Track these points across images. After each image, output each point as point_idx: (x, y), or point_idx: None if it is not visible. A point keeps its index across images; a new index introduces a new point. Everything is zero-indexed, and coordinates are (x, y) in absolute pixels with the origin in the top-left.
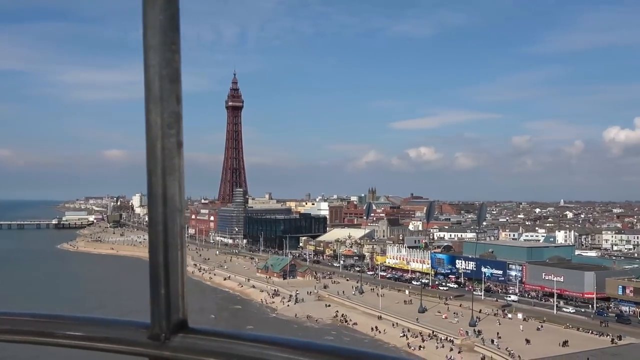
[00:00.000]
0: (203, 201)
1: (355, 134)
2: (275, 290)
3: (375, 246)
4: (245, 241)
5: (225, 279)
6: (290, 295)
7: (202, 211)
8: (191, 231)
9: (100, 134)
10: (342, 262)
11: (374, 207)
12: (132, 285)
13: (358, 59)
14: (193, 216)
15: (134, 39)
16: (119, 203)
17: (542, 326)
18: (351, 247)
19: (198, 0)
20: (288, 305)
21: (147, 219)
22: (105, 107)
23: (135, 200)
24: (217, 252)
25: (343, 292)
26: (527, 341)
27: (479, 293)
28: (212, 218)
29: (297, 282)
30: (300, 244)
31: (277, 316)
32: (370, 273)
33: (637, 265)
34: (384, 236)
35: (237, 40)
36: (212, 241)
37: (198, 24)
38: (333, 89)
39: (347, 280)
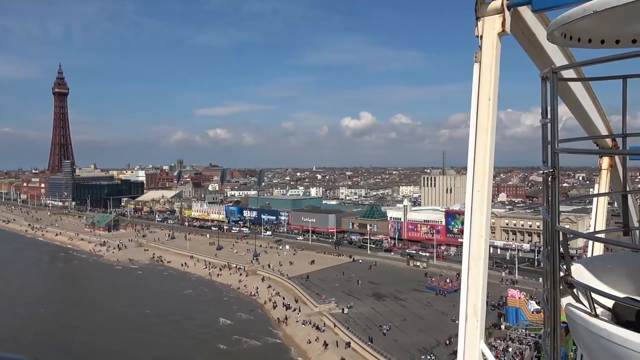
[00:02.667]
0: (34, 171)
1: (168, 117)
2: (104, 241)
3: (183, 203)
4: (74, 203)
5: (56, 235)
6: (116, 245)
7: (34, 179)
8: (23, 197)
9: None
10: (157, 216)
11: (183, 174)
12: None
13: (171, 58)
14: (25, 184)
15: None
16: None
17: (295, 252)
18: (164, 204)
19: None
20: (113, 252)
21: None
22: None
23: None
24: (49, 213)
25: (158, 239)
26: (291, 263)
27: (260, 234)
28: (42, 185)
29: (120, 234)
30: (122, 204)
31: (104, 261)
32: (173, 222)
33: (360, 209)
34: (190, 195)
35: (64, 36)
36: (43, 205)
37: (25, 20)
38: (151, 82)
39: (162, 230)
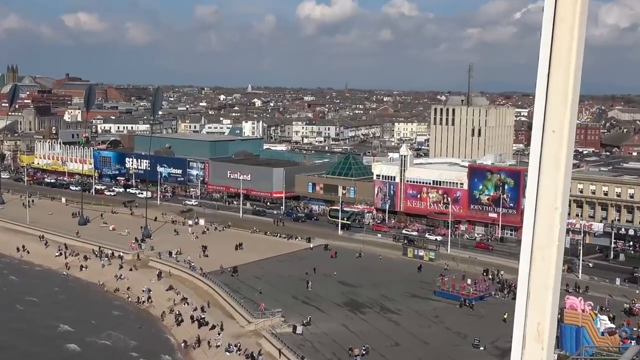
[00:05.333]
0: None
1: None
2: None
3: (19, 142)
4: None
5: None
6: None
7: None
8: None
9: None
10: None
11: (19, 92)
12: None
13: None
14: None
15: None
16: None
17: (208, 229)
18: None
19: None
20: None
21: None
22: None
23: None
24: None
25: None
26: (205, 249)
27: (149, 196)
28: None
29: None
30: None
31: None
32: (9, 177)
33: (327, 160)
34: (30, 129)
35: None
36: None
37: None
38: None
39: None
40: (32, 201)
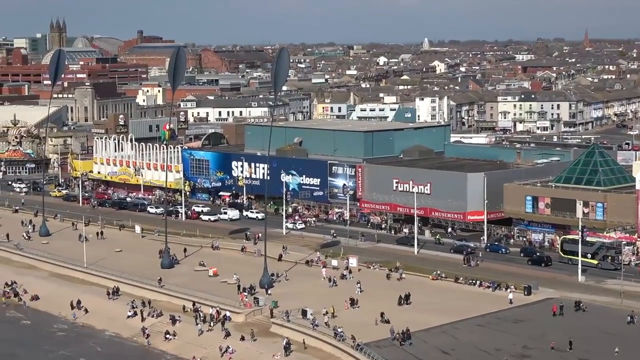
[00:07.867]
0: None
1: None
2: None
3: (70, 140)
4: None
5: None
6: None
7: None
8: None
9: None
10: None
11: (67, 60)
12: None
13: None
14: None
15: None
16: None
17: (348, 272)
18: (19, 143)
19: None
20: None
21: None
22: None
23: None
24: None
25: (7, 235)
26: (354, 304)
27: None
28: None
29: None
30: None
31: None
32: (43, 187)
33: (557, 159)
34: (86, 119)
35: None
36: None
37: None
38: None
39: (16, 211)
40: (101, 233)
